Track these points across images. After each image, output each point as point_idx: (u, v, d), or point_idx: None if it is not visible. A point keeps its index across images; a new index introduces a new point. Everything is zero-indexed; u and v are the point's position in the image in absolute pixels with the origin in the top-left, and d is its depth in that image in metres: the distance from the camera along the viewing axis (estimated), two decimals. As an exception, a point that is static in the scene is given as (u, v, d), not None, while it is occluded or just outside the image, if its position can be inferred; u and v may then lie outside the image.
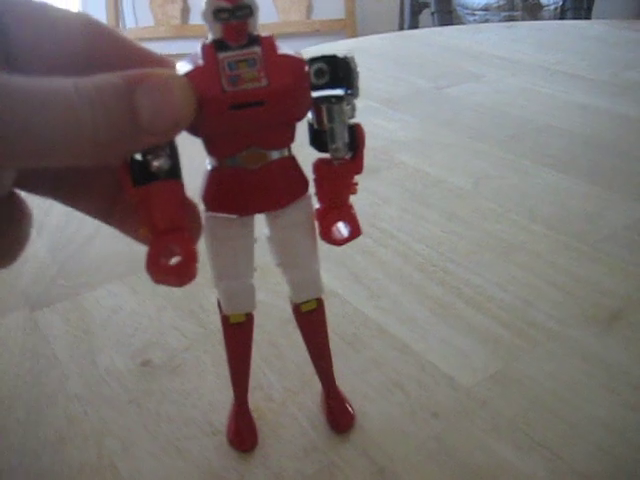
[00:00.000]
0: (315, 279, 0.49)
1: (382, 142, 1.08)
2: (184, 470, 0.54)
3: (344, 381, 0.59)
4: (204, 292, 0.73)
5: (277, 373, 0.63)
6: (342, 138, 0.42)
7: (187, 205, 0.40)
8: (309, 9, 4.24)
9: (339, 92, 0.41)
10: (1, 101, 0.29)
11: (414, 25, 3.66)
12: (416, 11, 3.66)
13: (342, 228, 0.47)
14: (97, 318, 0.71)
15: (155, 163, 0.35)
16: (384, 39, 1.75)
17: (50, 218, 0.87)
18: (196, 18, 4.13)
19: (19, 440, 0.57)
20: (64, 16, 0.37)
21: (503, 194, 0.92)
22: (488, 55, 1.58)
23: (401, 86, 1.37)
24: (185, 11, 4.20)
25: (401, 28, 3.92)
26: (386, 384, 0.60)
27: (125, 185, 0.36)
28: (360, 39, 1.79)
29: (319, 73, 0.40)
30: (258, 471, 0.53)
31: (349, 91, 0.41)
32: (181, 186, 0.38)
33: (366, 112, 1.22)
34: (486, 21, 3.19)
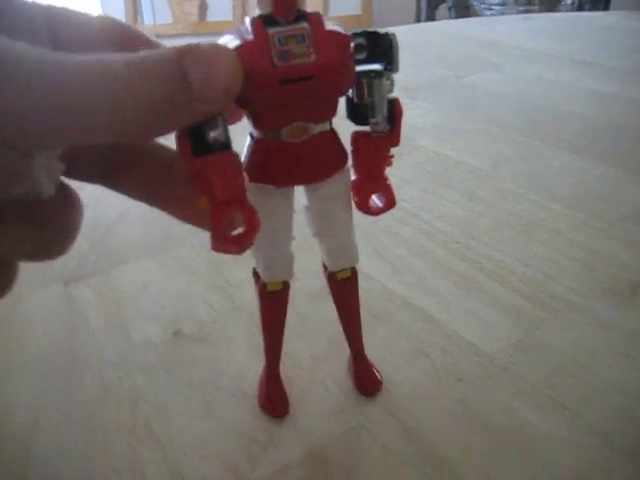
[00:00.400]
0: (351, 248, 0.51)
1: (402, 128, 1.10)
2: (216, 430, 0.56)
3: (371, 351, 0.60)
4: (230, 267, 0.75)
5: (305, 342, 0.65)
6: (382, 112, 0.43)
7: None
8: (325, 5, 4.27)
9: (378, 67, 0.42)
10: (53, 78, 0.30)
11: (431, 20, 3.68)
12: (433, 5, 3.67)
13: (377, 199, 0.48)
14: (128, 292, 0.74)
15: (212, 134, 0.36)
16: (401, 31, 1.76)
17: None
18: (213, 15, 4.17)
19: (57, 404, 0.59)
20: (90, 20, 0.40)
21: (521, 176, 0.93)
22: (505, 45, 1.59)
23: (420, 75, 1.39)
24: (203, 8, 4.25)
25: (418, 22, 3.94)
26: (412, 352, 0.62)
27: (185, 155, 0.37)
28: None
29: (358, 48, 0.41)
30: (288, 432, 0.55)
31: (389, 66, 0.42)
32: (237, 156, 0.38)
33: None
34: (502, 15, 3.20)
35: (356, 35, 0.41)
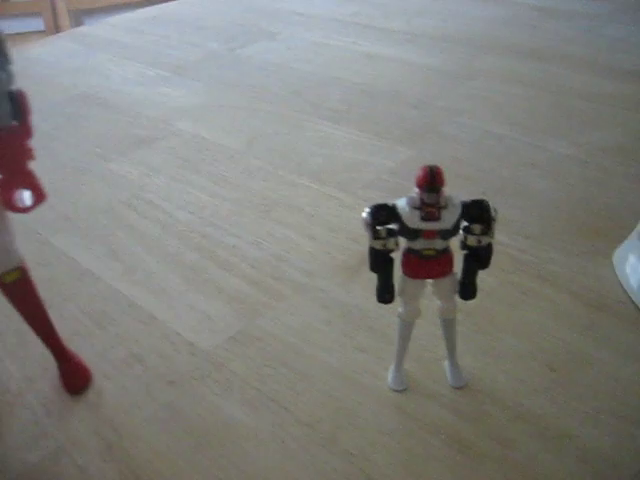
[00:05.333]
0: (8, 249, 0.47)
1: (163, 111, 1.05)
2: None
3: (88, 362, 0.58)
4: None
5: (19, 362, 0.60)
6: (1, 107, 0.41)
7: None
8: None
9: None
10: None
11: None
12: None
13: (25, 196, 0.46)
14: None
15: None
16: (184, 4, 1.71)
17: None
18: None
19: None
20: None
21: (275, 151, 0.91)
22: (286, 12, 1.57)
23: (194, 51, 1.34)
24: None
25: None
26: (127, 358, 0.59)
27: None
28: (162, 6, 1.73)
29: None
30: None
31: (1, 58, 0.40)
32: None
33: (154, 82, 1.18)
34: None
35: None
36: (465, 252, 0.47)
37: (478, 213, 0.46)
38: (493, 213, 0.45)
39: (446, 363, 0.54)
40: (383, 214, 0.46)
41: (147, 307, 0.64)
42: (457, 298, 0.50)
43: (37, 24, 2.98)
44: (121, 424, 0.53)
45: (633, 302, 0.61)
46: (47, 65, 1.32)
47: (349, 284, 0.65)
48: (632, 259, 0.63)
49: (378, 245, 0.45)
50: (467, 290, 0.49)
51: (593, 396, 0.52)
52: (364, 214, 0.45)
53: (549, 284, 0.63)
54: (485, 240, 0.46)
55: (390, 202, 0.46)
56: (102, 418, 0.54)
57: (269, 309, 0.63)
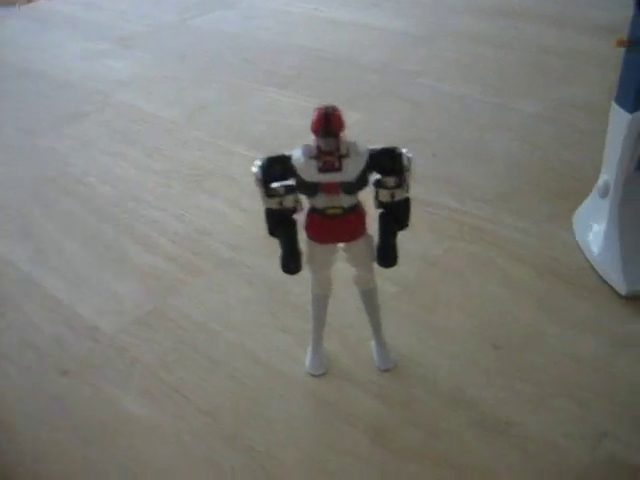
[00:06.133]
0: None
1: (103, 84, 0.98)
2: None
3: None
4: None
5: None
6: None
7: None
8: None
9: None
10: None
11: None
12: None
13: None
14: None
15: None
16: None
17: None
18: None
19: None
20: None
21: (217, 122, 0.84)
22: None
23: (146, 23, 1.26)
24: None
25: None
26: (18, 346, 0.52)
27: None
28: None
29: None
30: None
31: None
32: None
33: (99, 55, 1.11)
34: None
35: None
36: (380, 211, 0.40)
37: (389, 163, 0.38)
38: (406, 162, 0.37)
39: (373, 343, 0.47)
40: (277, 168, 0.38)
41: (53, 289, 0.57)
42: (375, 265, 0.42)
43: None
44: (7, 420, 0.46)
45: (594, 269, 0.53)
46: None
47: (275, 257, 0.57)
48: (592, 220, 0.55)
49: (273, 204, 0.38)
50: (386, 255, 0.41)
51: (541, 377, 0.45)
52: (254, 168, 0.38)
53: (502, 252, 0.56)
54: (399, 194, 0.38)
55: (287, 153, 0.38)
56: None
57: (185, 287, 0.56)
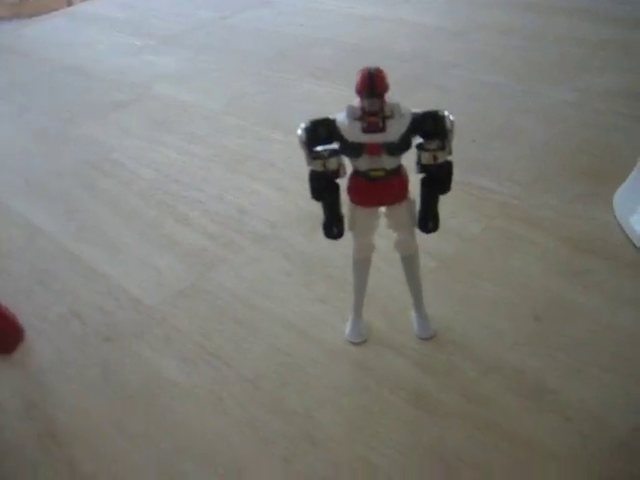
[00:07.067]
0: None
1: (144, 77, 1.00)
2: None
3: (24, 321, 0.53)
4: None
5: None
6: None
7: None
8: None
9: None
10: None
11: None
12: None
13: None
14: None
15: None
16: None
17: None
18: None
19: None
20: None
21: (255, 109, 0.85)
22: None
23: (184, 21, 1.28)
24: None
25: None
26: (64, 316, 0.53)
27: None
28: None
29: None
30: None
31: None
32: None
33: (140, 51, 1.13)
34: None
35: None
36: (422, 176, 0.40)
37: (432, 125, 0.38)
38: (449, 125, 0.38)
39: (413, 313, 0.47)
40: (321, 131, 0.39)
41: (95, 264, 0.58)
42: (418, 231, 0.42)
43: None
44: (46, 383, 0.47)
45: (634, 245, 0.53)
46: (37, 41, 1.27)
47: (313, 234, 0.58)
48: (634, 199, 0.55)
49: (317, 166, 0.39)
50: (427, 220, 0.41)
51: (580, 347, 0.45)
52: (298, 131, 0.38)
53: (539, 229, 0.56)
54: (442, 156, 0.38)
55: (331, 116, 0.39)
56: (27, 378, 0.48)
57: (225, 262, 0.56)
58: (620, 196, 0.58)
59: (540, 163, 0.65)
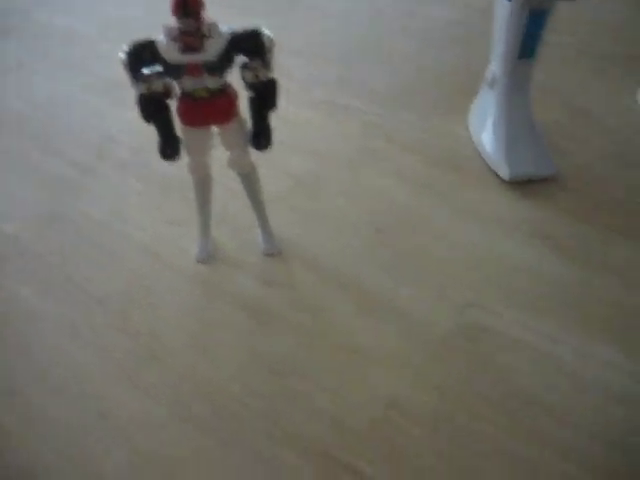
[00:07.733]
0: None
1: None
2: None
3: None
4: None
5: None
6: None
7: None
8: None
9: None
10: None
11: None
12: None
13: None
14: None
15: None
16: None
17: None
18: None
19: None
20: None
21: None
22: None
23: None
24: None
25: None
26: None
27: None
28: None
29: None
30: None
31: None
32: None
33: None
34: None
35: None
36: (250, 94, 0.41)
37: (252, 44, 0.39)
38: (267, 42, 0.38)
39: (258, 231, 0.49)
40: (145, 54, 0.39)
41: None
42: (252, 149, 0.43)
43: None
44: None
45: (482, 159, 0.55)
46: None
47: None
48: (482, 112, 0.57)
49: (142, 89, 0.39)
50: (259, 137, 0.42)
51: (421, 258, 0.47)
52: (121, 54, 0.38)
53: (396, 145, 0.58)
54: (263, 74, 0.39)
55: (153, 38, 0.38)
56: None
57: (86, 189, 0.56)
58: (471, 111, 0.60)
59: (406, 81, 0.67)
